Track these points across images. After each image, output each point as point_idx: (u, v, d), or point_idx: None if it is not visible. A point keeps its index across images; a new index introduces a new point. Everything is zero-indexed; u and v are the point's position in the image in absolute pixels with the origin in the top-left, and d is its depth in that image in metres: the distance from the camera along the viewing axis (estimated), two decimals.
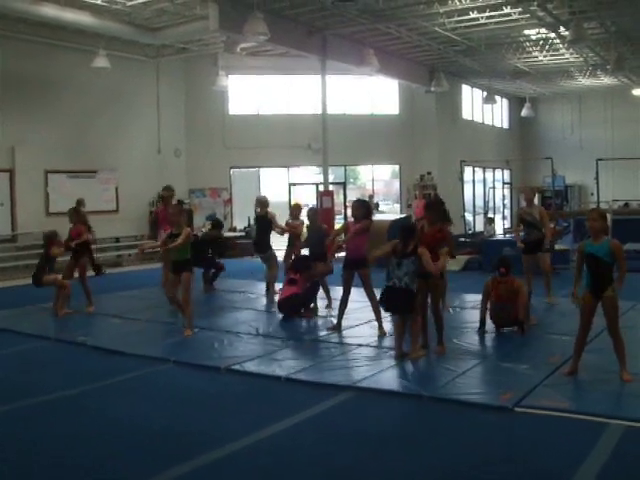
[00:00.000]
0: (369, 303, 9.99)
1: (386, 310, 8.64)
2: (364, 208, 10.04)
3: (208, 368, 8.15)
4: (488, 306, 9.67)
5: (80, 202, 16.65)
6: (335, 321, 10.26)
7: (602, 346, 7.78)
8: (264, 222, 13.50)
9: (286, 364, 8.17)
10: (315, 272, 11.60)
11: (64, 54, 20.39)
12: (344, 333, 9.87)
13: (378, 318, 9.78)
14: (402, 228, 8.75)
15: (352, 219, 10.14)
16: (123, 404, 6.98)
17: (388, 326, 9.68)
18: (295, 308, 11.28)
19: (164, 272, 12.48)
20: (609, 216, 17.65)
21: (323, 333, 9.99)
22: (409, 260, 8.16)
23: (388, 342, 9.02)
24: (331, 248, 10.81)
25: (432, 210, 9.07)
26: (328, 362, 8.30)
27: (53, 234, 12.15)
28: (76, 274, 12.40)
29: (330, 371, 7.87)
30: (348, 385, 7.27)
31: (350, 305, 10.27)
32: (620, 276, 6.94)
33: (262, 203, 13.72)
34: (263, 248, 13.54)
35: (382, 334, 9.57)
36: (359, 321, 10.51)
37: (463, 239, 21.56)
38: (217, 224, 16.08)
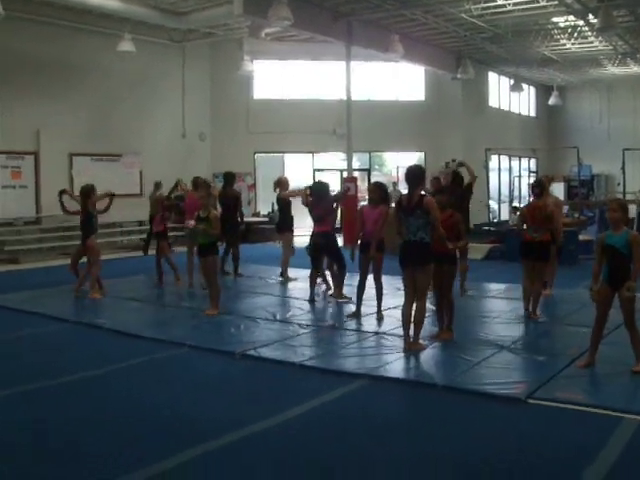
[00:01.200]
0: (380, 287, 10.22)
1: (400, 264, 8.17)
2: (380, 191, 10.04)
3: (223, 353, 8.16)
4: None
5: (158, 185, 16.31)
6: (354, 308, 10.27)
7: (619, 339, 7.67)
8: (280, 203, 13.65)
9: (301, 350, 8.15)
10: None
11: (89, 38, 20.44)
12: (361, 320, 9.84)
13: (379, 302, 10.10)
14: (407, 173, 8.29)
15: (366, 203, 10.17)
16: (137, 388, 7.01)
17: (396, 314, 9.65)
18: (327, 245, 11.24)
19: (189, 258, 12.54)
20: (634, 207, 17.54)
21: (340, 320, 9.97)
22: (416, 214, 7.91)
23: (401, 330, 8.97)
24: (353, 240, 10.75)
25: (442, 195, 9.00)
26: (343, 349, 8.28)
27: (90, 188, 12.19)
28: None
29: (345, 358, 7.85)
30: (362, 373, 7.23)
31: (370, 292, 10.26)
32: (635, 270, 6.81)
33: (278, 184, 13.78)
34: (279, 229, 13.80)
35: (380, 317, 9.91)
36: (375, 309, 10.46)
37: (487, 228, 21.39)
38: (229, 178, 14.57)
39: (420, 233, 7.90)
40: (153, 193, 15.66)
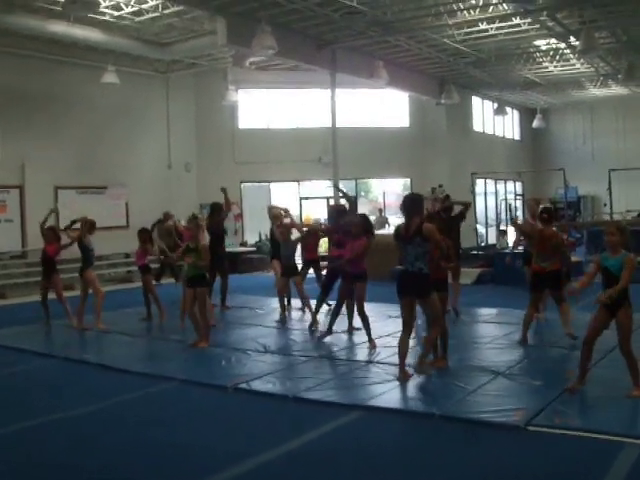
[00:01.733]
0: (372, 317, 10.22)
1: (399, 293, 7.94)
2: (362, 225, 9.99)
3: (215, 387, 8.01)
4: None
5: (167, 216, 15.87)
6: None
7: (617, 361, 7.60)
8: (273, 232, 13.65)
9: (294, 383, 8.02)
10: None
11: (73, 70, 20.38)
12: (353, 350, 9.73)
13: (367, 332, 9.86)
14: (405, 200, 8.13)
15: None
16: (126, 425, 6.84)
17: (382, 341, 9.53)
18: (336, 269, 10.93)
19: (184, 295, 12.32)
20: None
21: (332, 350, 9.83)
22: (414, 243, 7.72)
23: (396, 358, 8.84)
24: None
25: (432, 221, 8.88)
26: (337, 380, 8.15)
27: (88, 222, 12.28)
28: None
29: (339, 390, 7.71)
30: (357, 404, 7.10)
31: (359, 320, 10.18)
32: (617, 286, 6.72)
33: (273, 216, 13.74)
34: (271, 257, 13.79)
35: (372, 347, 9.66)
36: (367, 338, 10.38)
37: (475, 252, 21.34)
38: (216, 208, 14.10)
39: (418, 263, 7.72)
40: (162, 224, 15.45)
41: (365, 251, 9.77)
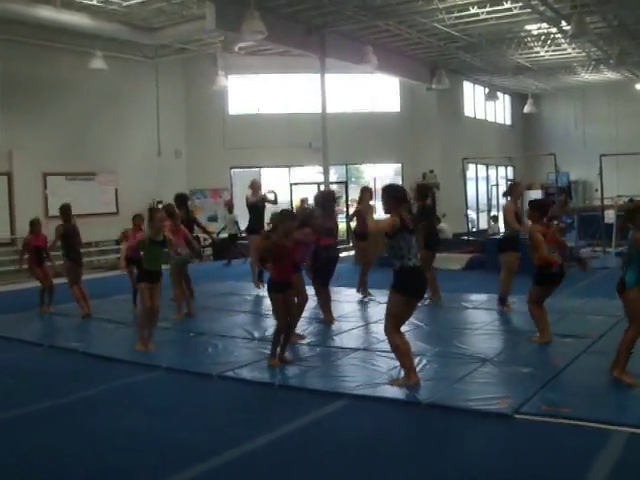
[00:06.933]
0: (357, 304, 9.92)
1: (419, 294, 7.19)
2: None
3: (200, 375, 7.93)
4: None
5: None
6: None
7: (605, 348, 7.56)
8: (250, 205, 13.88)
9: (281, 370, 7.92)
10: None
11: (62, 56, 20.28)
12: (341, 337, 9.61)
13: None
14: (395, 189, 7.27)
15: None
16: (112, 414, 6.76)
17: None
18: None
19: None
20: (613, 212, 17.45)
21: (319, 337, 9.72)
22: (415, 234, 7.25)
23: (384, 345, 8.78)
24: None
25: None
26: (323, 368, 8.06)
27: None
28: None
29: (325, 377, 7.62)
30: (344, 392, 7.02)
31: (346, 306, 10.08)
32: None
33: (251, 186, 13.85)
34: (249, 231, 14.09)
35: None
36: (356, 324, 10.38)
37: (466, 237, 21.32)
38: (181, 199, 12.78)
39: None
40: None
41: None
